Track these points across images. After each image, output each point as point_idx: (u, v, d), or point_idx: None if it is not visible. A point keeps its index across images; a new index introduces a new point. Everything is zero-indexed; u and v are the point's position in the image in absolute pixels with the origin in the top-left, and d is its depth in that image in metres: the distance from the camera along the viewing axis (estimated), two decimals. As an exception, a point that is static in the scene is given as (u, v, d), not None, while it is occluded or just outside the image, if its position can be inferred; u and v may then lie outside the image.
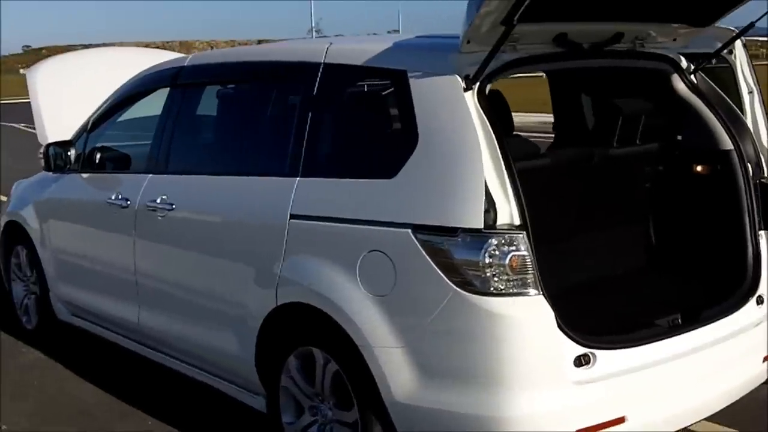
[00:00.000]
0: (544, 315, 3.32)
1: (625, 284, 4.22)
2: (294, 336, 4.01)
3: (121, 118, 5.54)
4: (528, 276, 3.32)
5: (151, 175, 4.90)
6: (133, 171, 5.19)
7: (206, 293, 4.49)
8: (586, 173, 4.22)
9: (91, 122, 5.58)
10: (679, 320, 3.78)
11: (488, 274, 3.31)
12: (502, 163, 3.37)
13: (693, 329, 3.74)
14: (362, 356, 3.61)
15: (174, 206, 4.62)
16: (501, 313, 3.29)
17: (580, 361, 3.40)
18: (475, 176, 3.34)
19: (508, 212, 3.35)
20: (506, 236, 3.32)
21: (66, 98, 6.16)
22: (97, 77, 5.98)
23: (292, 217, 3.93)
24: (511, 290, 3.32)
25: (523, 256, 3.32)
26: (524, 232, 3.33)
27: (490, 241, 3.31)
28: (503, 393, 3.31)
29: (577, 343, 3.39)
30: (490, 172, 3.35)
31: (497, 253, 3.31)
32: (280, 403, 4.13)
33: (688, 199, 4.31)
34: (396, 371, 3.52)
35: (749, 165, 4.09)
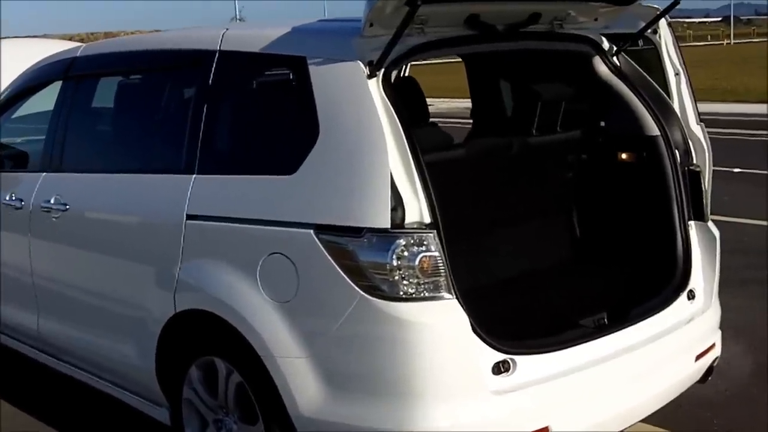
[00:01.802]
0: (458, 320, 2.99)
1: (546, 282, 3.91)
2: (195, 345, 3.64)
3: (17, 113, 5.08)
4: (440, 278, 2.99)
5: (44, 173, 4.47)
6: (28, 169, 4.75)
7: (104, 299, 4.08)
8: (504, 164, 3.90)
9: (-15, 117, 5.13)
10: (605, 320, 3.47)
11: (397, 278, 2.97)
12: (410, 156, 3.03)
13: (620, 329, 3.43)
14: (265, 367, 3.25)
15: (68, 206, 4.20)
16: (411, 320, 2.95)
17: (499, 369, 3.08)
18: (380, 171, 2.98)
19: (417, 210, 3.01)
20: (415, 236, 2.98)
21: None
22: None
23: (189, 217, 3.55)
24: (421, 294, 2.98)
25: (434, 256, 2.98)
26: (435, 231, 3.00)
27: (398, 241, 2.97)
28: (416, 405, 2.98)
29: (495, 349, 3.07)
30: (397, 167, 3.00)
31: (406, 254, 2.97)
32: (183, 417, 3.76)
33: (613, 188, 4.00)
34: (301, 383, 3.17)
35: (677, 151, 3.80)
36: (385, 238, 2.97)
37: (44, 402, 4.94)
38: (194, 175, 3.58)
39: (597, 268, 4.00)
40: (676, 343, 3.61)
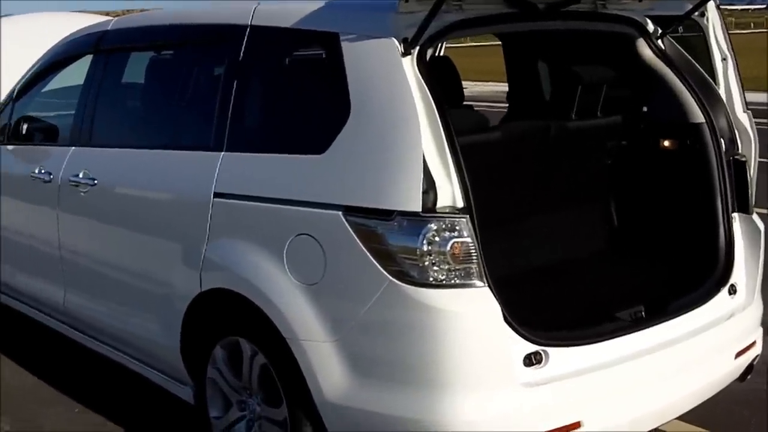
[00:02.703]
0: (489, 309, 2.88)
1: (582, 272, 3.77)
2: (220, 324, 3.57)
3: (47, 87, 5.03)
4: (471, 265, 2.88)
5: (73, 148, 4.41)
6: (57, 143, 4.68)
7: (131, 275, 4.02)
8: (541, 148, 3.76)
9: (16, 90, 5.08)
10: (643, 313, 3.33)
11: (427, 263, 2.86)
12: (444, 137, 2.91)
13: (658, 323, 3.29)
14: (290, 350, 3.17)
15: (96, 181, 4.14)
16: (441, 307, 2.85)
17: (531, 360, 2.97)
18: (413, 153, 2.88)
19: (449, 193, 2.90)
20: (447, 221, 2.87)
21: (28, 58, 5.63)
22: (31, 44, 5.45)
23: (216, 195, 3.46)
24: (452, 281, 2.87)
25: (466, 242, 2.87)
26: (467, 216, 2.88)
27: (429, 226, 2.86)
28: (443, 395, 2.88)
29: (527, 339, 2.95)
30: (430, 148, 2.89)
31: (437, 239, 2.86)
32: (207, 396, 3.69)
33: (654, 177, 3.85)
34: (326, 368, 3.08)
35: (722, 140, 3.64)
36: (416, 222, 2.87)
37: (67, 374, 4.91)
38: (222, 153, 3.49)
39: (634, 259, 3.86)
40: (715, 340, 3.47)
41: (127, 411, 4.46)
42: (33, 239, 4.72)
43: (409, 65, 2.98)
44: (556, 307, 3.31)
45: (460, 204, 2.90)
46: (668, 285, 3.56)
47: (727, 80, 3.83)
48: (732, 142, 3.70)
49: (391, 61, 3.00)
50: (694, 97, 3.67)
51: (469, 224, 2.88)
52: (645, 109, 3.89)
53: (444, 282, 2.87)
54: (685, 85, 3.68)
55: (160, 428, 4.28)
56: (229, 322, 3.52)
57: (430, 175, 2.88)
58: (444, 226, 2.87)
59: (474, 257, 2.88)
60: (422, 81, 2.97)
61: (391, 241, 2.90)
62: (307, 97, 3.38)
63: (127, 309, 4.07)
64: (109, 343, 4.33)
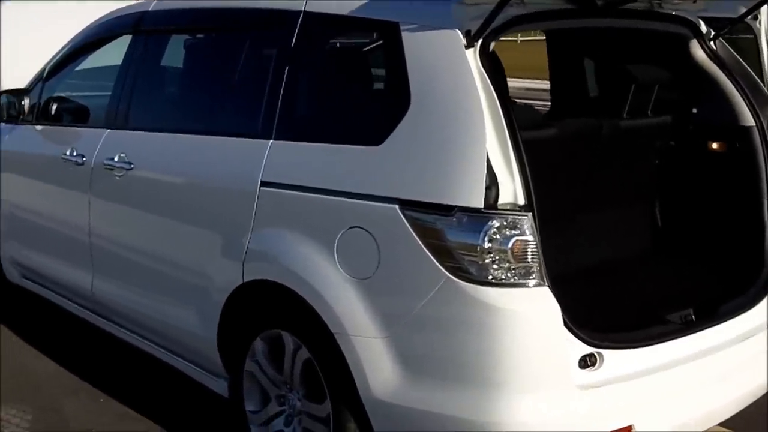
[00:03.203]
0: (549, 309, 2.81)
1: (629, 272, 3.70)
2: (262, 316, 3.49)
3: (79, 67, 4.91)
4: (532, 264, 2.81)
5: (109, 130, 4.32)
6: (90, 125, 4.60)
7: (166, 263, 3.93)
8: (593, 146, 3.69)
9: (47, 70, 4.98)
10: (693, 316, 3.28)
11: (487, 261, 2.79)
12: (507, 133, 2.84)
13: (708, 327, 3.24)
14: (338, 345, 3.09)
15: (133, 166, 4.05)
16: (500, 306, 2.77)
17: (586, 362, 2.90)
18: (476, 147, 2.80)
19: (511, 190, 2.82)
20: (509, 218, 2.80)
21: (28, 45, 5.55)
22: (64, 28, 5.34)
23: (263, 184, 3.38)
24: (512, 280, 2.80)
25: (528, 241, 2.80)
26: (530, 214, 2.82)
27: (490, 223, 2.79)
28: (499, 395, 2.81)
29: (583, 341, 2.88)
30: (493, 143, 2.82)
31: (498, 237, 2.79)
32: (244, 390, 3.62)
33: (701, 179, 3.79)
34: (376, 364, 3.01)
35: None
36: (477, 218, 2.79)
37: (91, 363, 4.83)
38: (271, 141, 3.41)
39: (680, 261, 3.79)
40: (760, 345, 3.41)
41: (152, 401, 4.37)
42: (61, 224, 4.63)
43: (472, 57, 2.90)
44: (607, 308, 3.24)
45: (521, 201, 2.83)
46: (715, 288, 3.50)
47: None
48: None
49: (455, 53, 2.92)
50: (744, 100, 3.61)
51: (531, 222, 2.81)
52: (695, 110, 3.82)
53: (504, 280, 2.79)
54: (736, 88, 3.62)
55: (187, 420, 4.21)
56: (272, 314, 3.44)
57: (492, 171, 2.80)
58: (506, 223, 2.79)
59: (535, 256, 2.81)
60: (485, 74, 2.89)
61: (450, 237, 2.83)
62: (363, 86, 3.30)
63: (161, 298, 3.98)
64: (139, 332, 4.25)
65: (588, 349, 2.90)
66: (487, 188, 2.78)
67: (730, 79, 3.63)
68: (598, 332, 2.95)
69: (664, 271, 3.74)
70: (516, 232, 2.79)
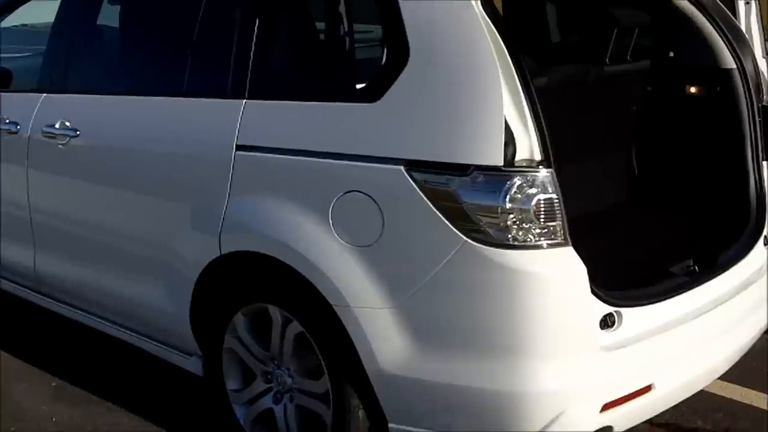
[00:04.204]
0: (575, 270, 2.59)
1: (617, 225, 3.52)
2: (243, 290, 3.17)
3: (1, 24, 4.40)
4: (555, 224, 2.58)
5: (45, 95, 3.85)
6: (18, 89, 4.10)
7: (123, 237, 3.54)
8: (579, 94, 3.47)
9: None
10: (695, 267, 3.12)
11: (509, 222, 2.54)
12: (519, 83, 2.58)
13: (711, 278, 3.08)
14: (337, 318, 2.81)
15: (79, 132, 3.62)
16: (524, 269, 2.54)
17: (606, 323, 2.71)
18: (492, 100, 2.53)
19: (527, 145, 2.57)
20: (530, 175, 2.55)
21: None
22: None
23: (239, 148, 3.03)
24: (535, 241, 2.56)
25: (551, 199, 2.56)
26: (552, 171, 2.58)
27: (511, 181, 2.53)
28: (523, 364, 2.58)
29: (603, 300, 2.69)
30: (506, 95, 2.57)
31: (520, 196, 2.54)
32: (224, 368, 3.30)
33: (679, 125, 3.63)
34: (383, 336, 2.74)
35: (751, 86, 3.45)
36: (496, 177, 2.54)
37: (37, 347, 4.41)
38: (244, 100, 3.06)
39: (662, 211, 3.63)
40: (756, 293, 3.30)
41: (113, 383, 3.99)
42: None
43: (478, 4, 2.63)
44: (612, 264, 3.05)
45: (537, 156, 2.59)
46: (707, 238, 3.36)
47: (749, 23, 3.63)
48: (758, 88, 3.50)
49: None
50: (724, 42, 3.44)
51: (553, 179, 2.58)
52: (671, 54, 3.65)
53: (527, 242, 2.56)
54: (715, 29, 3.45)
55: (156, 401, 3.85)
56: (255, 287, 3.13)
57: (508, 126, 2.55)
58: (528, 181, 2.55)
59: (558, 215, 2.58)
60: (490, 22, 2.62)
61: (466, 198, 2.57)
62: (351, 37, 2.99)
63: (118, 274, 3.58)
64: (94, 312, 3.85)
65: (607, 309, 2.71)
66: (504, 144, 2.53)
67: (708, 21, 3.45)
68: (615, 290, 2.76)
69: (649, 223, 3.57)
70: (537, 190, 2.55)
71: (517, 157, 2.56)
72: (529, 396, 2.60)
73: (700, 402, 3.50)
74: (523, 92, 2.58)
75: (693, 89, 3.56)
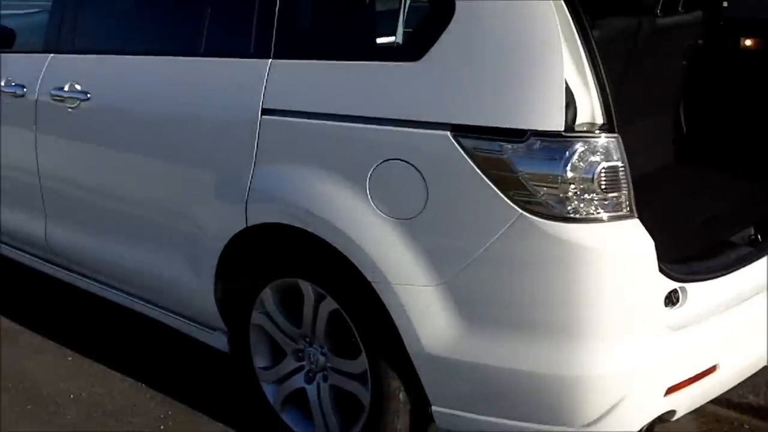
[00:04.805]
0: (642, 244, 2.33)
1: (672, 188, 3.24)
2: (271, 264, 2.93)
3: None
4: (620, 194, 2.31)
5: (52, 55, 3.56)
6: (22, 49, 3.80)
7: (140, 206, 3.28)
8: (629, 48, 3.18)
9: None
10: (757, 235, 2.86)
11: (570, 193, 2.27)
12: (579, 37, 2.30)
13: None
14: (376, 296, 2.57)
15: (89, 95, 3.34)
16: (587, 245, 2.27)
17: (671, 300, 2.46)
18: (552, 58, 2.25)
19: (588, 108, 2.30)
20: (593, 141, 2.28)
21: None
22: None
23: (265, 112, 2.76)
24: (599, 214, 2.29)
25: (616, 167, 2.30)
26: (617, 136, 2.31)
27: (573, 148, 2.26)
28: (585, 346, 2.33)
29: (667, 276, 2.43)
30: (566, 51, 2.28)
31: (582, 164, 2.28)
32: (251, 344, 3.07)
33: (732, 80, 3.35)
34: (428, 315, 2.49)
35: None
36: (557, 143, 2.27)
37: (54, 319, 4.18)
38: (270, 60, 2.78)
39: (716, 174, 3.35)
40: None
41: (134, 357, 3.78)
42: (7, 168, 3.87)
43: None
44: (672, 234, 2.79)
45: (599, 120, 2.31)
46: (764, 203, 3.09)
47: None
48: None
49: None
50: None
51: (619, 145, 2.30)
52: (725, 4, 3.35)
53: (590, 215, 2.29)
54: None
55: (175, 375, 3.63)
56: (285, 261, 2.88)
57: (567, 86, 2.27)
58: (590, 147, 2.28)
59: (624, 185, 2.31)
60: None
61: (522, 167, 2.30)
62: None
63: (136, 245, 3.33)
64: (111, 284, 3.61)
65: (672, 285, 2.45)
66: (565, 107, 2.26)
67: (765, -33, 3.17)
68: (679, 264, 2.50)
69: (701, 186, 3.29)
70: (601, 157, 2.28)
71: (578, 121, 2.29)
72: (589, 380, 2.36)
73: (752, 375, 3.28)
74: (584, 48, 2.30)
75: (748, 42, 3.27)
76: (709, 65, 3.40)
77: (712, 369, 2.54)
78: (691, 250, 2.67)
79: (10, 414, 3.36)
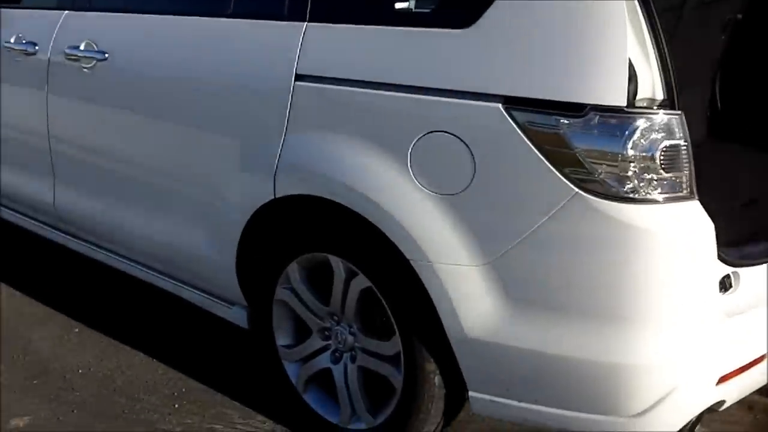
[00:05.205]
0: (703, 227, 2.24)
1: (711, 167, 3.13)
2: (299, 238, 2.82)
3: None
4: (682, 174, 2.22)
5: (66, 12, 3.43)
6: (33, 5, 3.67)
7: (158, 173, 3.16)
8: (672, 21, 3.06)
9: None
10: None
11: (630, 172, 2.17)
12: (641, 10, 2.20)
13: None
14: (415, 274, 2.47)
15: (107, 55, 3.21)
16: (645, 227, 2.18)
17: (724, 285, 2.38)
18: (614, 26, 2.15)
19: (649, 83, 2.20)
20: (656, 118, 2.19)
21: None
22: None
23: (299, 78, 2.65)
24: (659, 194, 2.20)
25: (679, 146, 2.20)
26: (680, 113, 2.21)
27: (635, 124, 2.17)
28: (639, 333, 2.24)
29: (722, 260, 2.34)
30: (629, 24, 2.18)
31: (644, 141, 2.18)
32: (273, 321, 2.97)
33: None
34: (470, 297, 2.40)
35: None
36: (618, 119, 2.16)
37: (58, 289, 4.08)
38: (305, 23, 2.66)
39: (754, 151, 3.25)
40: None
41: (144, 329, 3.69)
42: (9, 128, 3.74)
43: None
44: (721, 215, 2.69)
45: (660, 96, 2.22)
46: None
47: None
48: None
49: None
50: None
51: (683, 123, 2.21)
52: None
53: (650, 195, 2.20)
54: None
55: (188, 348, 3.54)
56: (315, 235, 2.78)
57: (629, 60, 2.17)
58: (653, 125, 2.18)
59: (685, 164, 2.22)
60: None
61: (579, 143, 2.20)
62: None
63: (152, 215, 3.22)
64: (119, 252, 3.50)
65: (725, 270, 2.37)
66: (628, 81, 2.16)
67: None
68: (732, 248, 2.42)
69: (741, 164, 3.19)
70: (663, 135, 2.19)
71: (638, 97, 2.20)
72: (642, 368, 2.27)
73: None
74: (644, 18, 2.20)
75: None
76: (748, 41, 3.29)
77: (761, 358, 2.46)
78: (738, 234, 2.58)
79: (15, 389, 3.25)
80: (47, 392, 3.23)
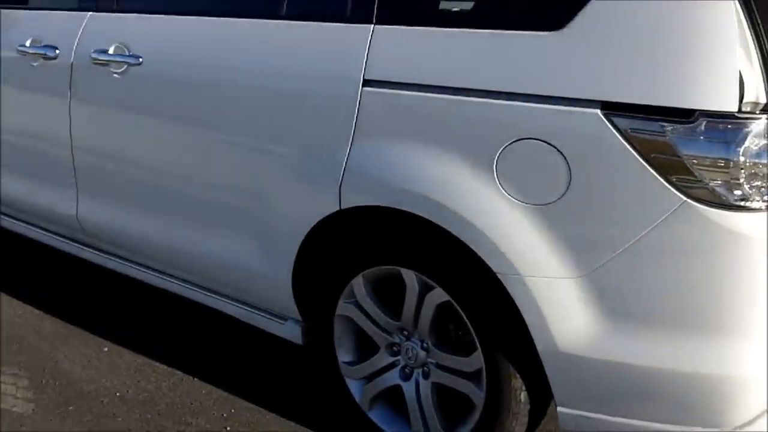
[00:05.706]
0: None
1: None
2: (366, 250, 2.75)
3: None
4: None
5: (90, 13, 3.30)
6: (53, 6, 3.51)
7: (201, 185, 3.04)
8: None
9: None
10: None
11: (742, 180, 2.15)
12: (743, 11, 2.16)
13: None
14: (502, 288, 2.41)
15: (142, 60, 3.09)
16: (760, 237, 2.15)
17: None
18: (723, 27, 2.11)
19: (753, 87, 2.16)
20: (764, 123, 2.15)
21: None
22: None
23: (367, 83, 2.57)
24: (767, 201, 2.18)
25: None
26: None
27: (748, 130, 2.13)
28: (748, 345, 2.22)
29: None
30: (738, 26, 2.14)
31: (755, 147, 2.15)
32: (335, 337, 2.90)
33: None
34: (564, 310, 2.35)
35: None
36: (729, 125, 2.12)
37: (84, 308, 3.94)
38: (372, 25, 2.58)
39: None
40: None
41: (176, 348, 3.58)
42: (30, 137, 3.59)
43: None
44: None
45: (763, 99, 2.19)
46: None
47: None
48: None
49: None
50: None
51: None
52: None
53: (761, 203, 2.17)
54: None
55: (227, 368, 3.45)
56: (383, 248, 2.70)
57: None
58: (762, 130, 2.14)
59: None
60: None
61: (687, 150, 2.15)
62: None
63: (193, 229, 3.11)
64: (151, 266, 3.39)
65: None
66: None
67: None
68: None
69: None
70: None
71: (744, 100, 2.16)
72: (748, 380, 2.24)
73: None
74: (746, 17, 2.16)
75: None
76: None
77: None
78: None
79: (51, 416, 3.11)
80: (86, 419, 3.11)
